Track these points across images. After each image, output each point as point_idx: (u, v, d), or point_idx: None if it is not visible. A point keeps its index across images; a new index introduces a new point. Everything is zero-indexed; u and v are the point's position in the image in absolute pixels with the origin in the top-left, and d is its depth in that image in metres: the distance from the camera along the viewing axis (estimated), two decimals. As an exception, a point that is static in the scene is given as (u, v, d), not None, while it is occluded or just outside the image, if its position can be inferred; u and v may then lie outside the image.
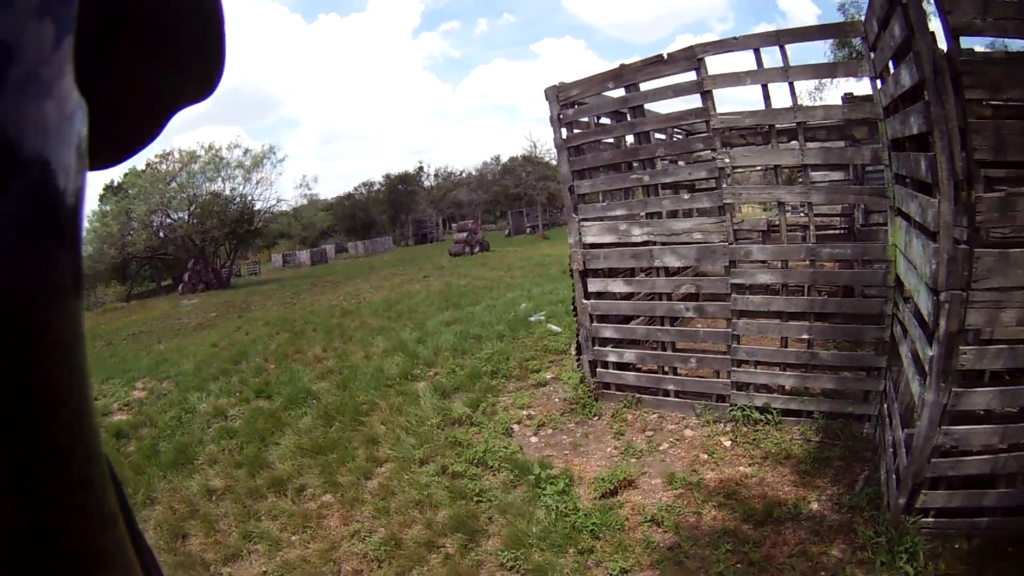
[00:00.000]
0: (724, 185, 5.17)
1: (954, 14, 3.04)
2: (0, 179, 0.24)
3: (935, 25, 3.26)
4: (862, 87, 6.34)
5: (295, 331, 11.51)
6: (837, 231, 7.24)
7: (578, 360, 6.37)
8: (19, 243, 0.24)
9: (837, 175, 7.72)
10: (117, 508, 0.33)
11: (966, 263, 3.07)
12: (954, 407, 3.12)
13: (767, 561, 3.48)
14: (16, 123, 0.24)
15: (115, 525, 0.33)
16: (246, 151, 30.79)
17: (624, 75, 5.53)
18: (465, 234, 29.39)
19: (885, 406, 4.43)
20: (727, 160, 5.11)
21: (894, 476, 3.57)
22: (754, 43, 4.93)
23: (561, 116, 5.93)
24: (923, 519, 3.38)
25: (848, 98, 5.60)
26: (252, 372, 8.77)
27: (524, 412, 6.01)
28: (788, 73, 4.84)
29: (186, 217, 29.15)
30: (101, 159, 0.41)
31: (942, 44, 3.23)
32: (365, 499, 4.79)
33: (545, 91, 5.96)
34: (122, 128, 0.42)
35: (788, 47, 4.80)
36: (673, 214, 5.69)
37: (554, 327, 8.78)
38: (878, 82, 4.54)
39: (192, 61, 0.43)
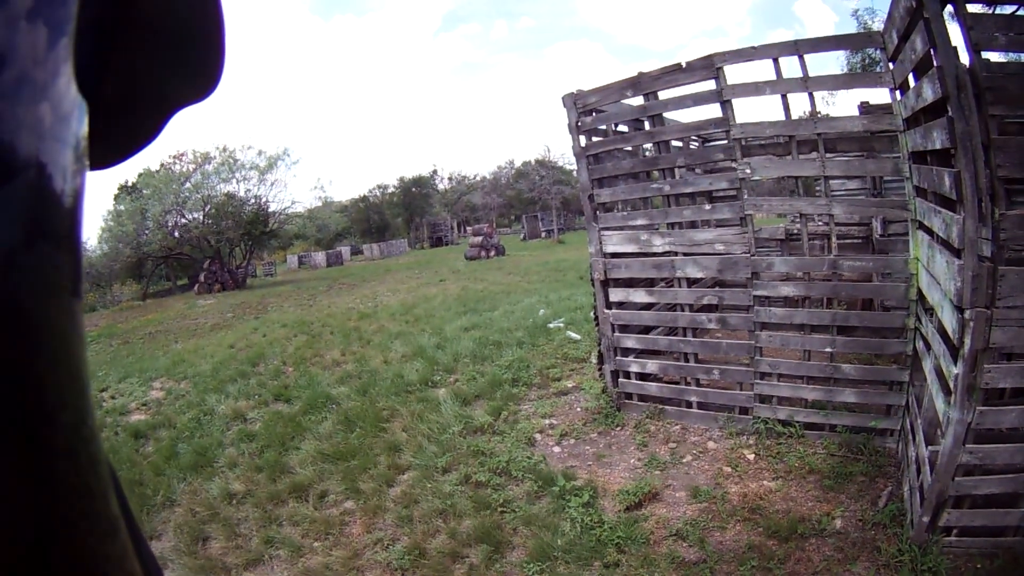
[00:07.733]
0: (746, 195, 5.14)
1: (976, 29, 3.03)
2: None
3: (956, 37, 3.24)
4: (877, 95, 6.27)
5: (312, 334, 11.49)
6: (854, 240, 7.19)
7: (600, 369, 6.33)
8: (15, 245, 0.24)
9: (853, 184, 7.68)
10: (119, 512, 0.32)
11: (990, 280, 3.06)
12: (978, 425, 3.11)
13: (791, 577, 3.48)
14: (10, 126, 0.24)
15: (118, 530, 0.32)
16: (260, 152, 30.79)
17: (642, 83, 5.51)
18: (480, 238, 29.14)
19: (908, 420, 4.41)
20: (748, 170, 5.07)
21: (918, 493, 3.56)
22: (773, 52, 4.88)
23: (579, 124, 5.90)
24: (946, 537, 3.37)
25: (866, 107, 5.57)
26: (270, 375, 8.76)
27: (546, 421, 6.00)
28: (808, 83, 4.82)
29: (201, 217, 29.00)
30: (101, 159, 0.41)
31: (964, 58, 3.23)
32: (388, 507, 4.77)
33: (563, 98, 5.93)
34: (122, 128, 0.42)
35: (805, 56, 4.76)
36: (692, 224, 5.66)
37: (573, 334, 8.75)
38: (897, 93, 4.53)
39: (192, 61, 0.43)
